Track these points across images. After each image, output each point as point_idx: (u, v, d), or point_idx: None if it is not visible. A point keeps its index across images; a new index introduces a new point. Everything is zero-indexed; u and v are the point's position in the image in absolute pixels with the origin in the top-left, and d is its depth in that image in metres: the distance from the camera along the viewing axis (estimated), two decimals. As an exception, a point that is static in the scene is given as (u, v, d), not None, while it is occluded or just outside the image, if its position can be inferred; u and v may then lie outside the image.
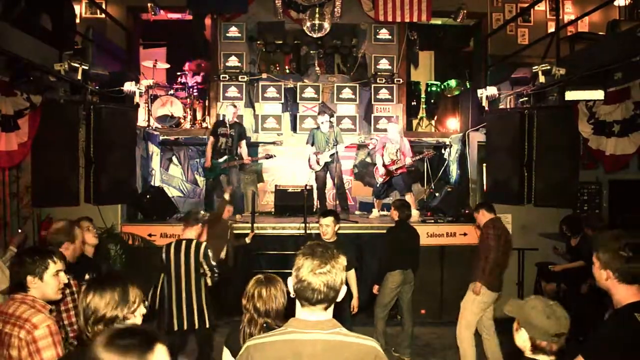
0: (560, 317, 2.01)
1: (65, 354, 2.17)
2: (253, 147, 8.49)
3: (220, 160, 7.34)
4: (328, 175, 7.71)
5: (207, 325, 4.45)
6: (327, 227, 4.70)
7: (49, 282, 2.47)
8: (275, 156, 7.75)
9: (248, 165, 8.15)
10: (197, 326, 4.40)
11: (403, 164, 7.29)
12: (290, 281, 1.85)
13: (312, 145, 7.65)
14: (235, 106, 7.60)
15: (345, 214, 7.41)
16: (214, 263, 4.45)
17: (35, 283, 2.43)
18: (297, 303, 1.86)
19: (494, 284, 4.96)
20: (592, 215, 6.84)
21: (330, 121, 7.51)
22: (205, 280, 4.43)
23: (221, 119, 7.88)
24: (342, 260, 1.84)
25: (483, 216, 5.08)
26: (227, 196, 6.18)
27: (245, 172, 8.51)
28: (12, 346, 2.26)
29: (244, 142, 7.49)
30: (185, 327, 4.37)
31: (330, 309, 1.84)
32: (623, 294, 2.10)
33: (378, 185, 7.64)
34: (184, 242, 4.43)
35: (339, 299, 1.84)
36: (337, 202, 7.73)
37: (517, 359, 2.13)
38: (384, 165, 7.36)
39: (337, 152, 7.36)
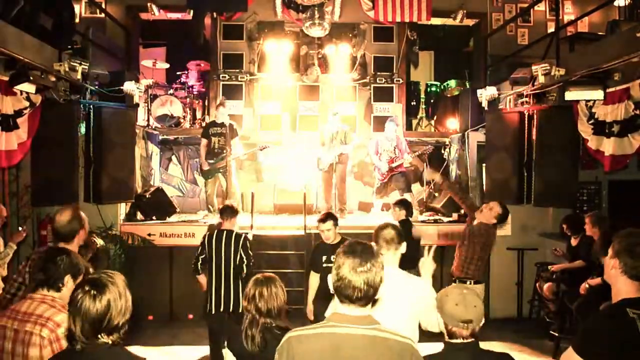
0: (469, 305, 2.08)
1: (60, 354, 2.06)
2: (252, 147, 8.48)
3: (213, 160, 7.31)
4: (333, 175, 7.71)
5: (240, 310, 4.66)
6: (328, 232, 4.74)
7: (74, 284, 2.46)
8: (268, 147, 7.69)
9: (246, 158, 8.15)
10: (231, 310, 4.70)
11: (402, 161, 7.30)
12: (330, 279, 1.89)
13: (323, 144, 7.61)
14: (224, 105, 7.53)
15: (343, 214, 7.47)
16: (250, 253, 4.84)
17: (69, 283, 2.41)
18: (336, 299, 1.90)
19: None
20: (594, 213, 6.82)
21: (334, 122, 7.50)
22: (242, 267, 4.77)
23: (213, 119, 7.83)
24: (382, 259, 1.90)
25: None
26: None
27: (244, 171, 8.51)
28: (32, 344, 2.22)
29: (236, 139, 7.43)
30: (221, 310, 4.72)
31: (369, 306, 1.89)
32: (622, 287, 2.12)
33: (379, 185, 7.64)
34: (225, 232, 4.84)
35: (377, 297, 1.89)
36: (339, 202, 7.73)
37: None
38: (387, 163, 7.36)
39: (337, 154, 7.34)
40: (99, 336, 1.84)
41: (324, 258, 4.69)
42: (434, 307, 2.34)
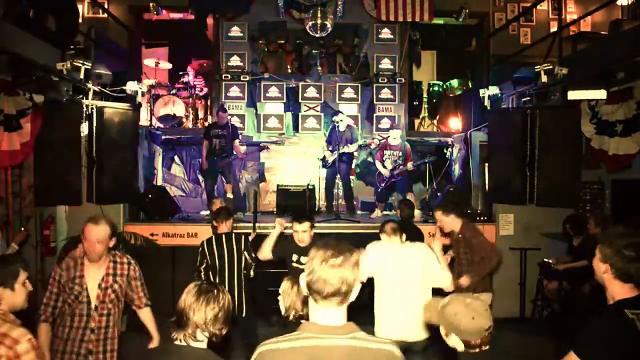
0: (482, 312, 1.99)
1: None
2: (254, 146, 8.49)
3: (213, 161, 7.35)
4: (338, 175, 7.73)
5: (244, 315, 4.54)
6: (303, 234, 4.15)
7: (19, 291, 2.36)
8: (268, 148, 7.69)
9: (248, 161, 8.17)
10: (236, 314, 4.49)
11: (405, 169, 7.30)
12: (303, 277, 1.75)
13: (330, 143, 7.63)
14: (225, 110, 7.57)
15: (351, 213, 7.54)
16: (253, 255, 4.59)
17: (6, 294, 2.31)
18: (310, 300, 1.76)
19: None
20: (597, 212, 6.80)
21: (343, 120, 7.52)
22: (246, 271, 4.59)
23: (215, 121, 7.88)
24: (356, 256, 1.75)
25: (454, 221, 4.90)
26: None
27: (247, 171, 8.52)
28: None
29: (237, 141, 7.53)
30: None
31: (344, 308, 1.75)
32: (617, 290, 2.14)
33: (380, 190, 7.64)
34: (223, 235, 4.62)
35: (352, 298, 1.75)
36: (345, 201, 7.75)
37: None
38: (390, 170, 7.36)
39: (339, 153, 7.36)
40: (197, 334, 2.03)
41: (295, 257, 4.24)
42: (436, 263, 3.61)
